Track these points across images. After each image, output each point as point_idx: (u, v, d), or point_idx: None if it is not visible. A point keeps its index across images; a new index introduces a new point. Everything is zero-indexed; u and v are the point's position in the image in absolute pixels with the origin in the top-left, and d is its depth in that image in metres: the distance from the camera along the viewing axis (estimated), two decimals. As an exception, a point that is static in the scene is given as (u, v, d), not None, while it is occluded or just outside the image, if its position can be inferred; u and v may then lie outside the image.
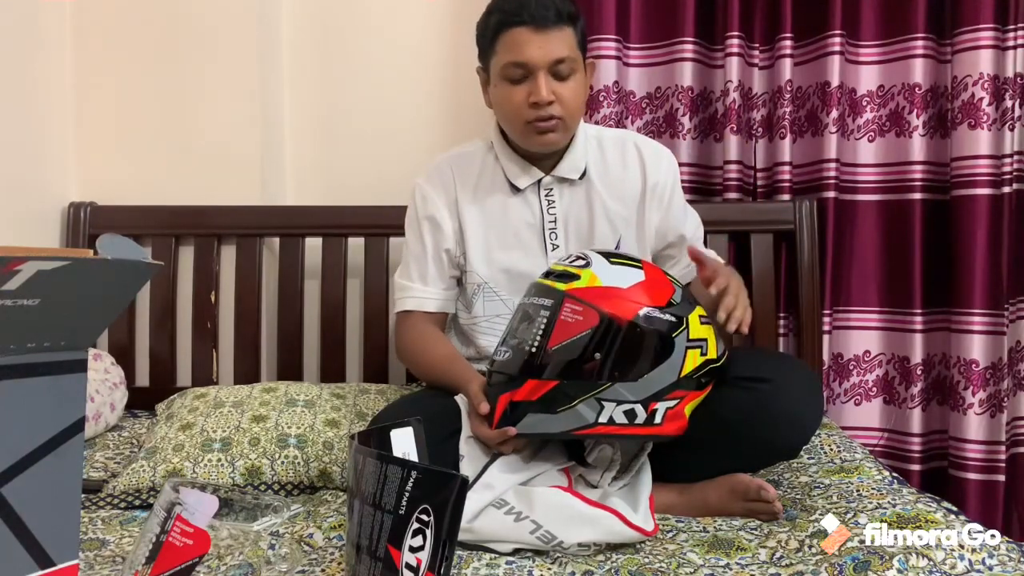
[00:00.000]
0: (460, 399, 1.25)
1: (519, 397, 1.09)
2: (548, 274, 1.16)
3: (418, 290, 1.41)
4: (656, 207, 1.41)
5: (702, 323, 1.13)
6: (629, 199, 1.40)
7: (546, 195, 1.39)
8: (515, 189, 1.39)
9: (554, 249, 1.39)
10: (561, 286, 1.10)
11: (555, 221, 1.39)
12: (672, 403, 1.11)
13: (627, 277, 1.11)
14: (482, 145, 1.44)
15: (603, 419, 1.09)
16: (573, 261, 1.14)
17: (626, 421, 1.09)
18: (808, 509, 1.16)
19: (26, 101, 1.76)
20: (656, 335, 1.08)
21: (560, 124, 1.30)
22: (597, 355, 1.06)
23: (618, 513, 1.06)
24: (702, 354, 1.12)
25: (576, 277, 1.10)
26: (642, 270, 1.13)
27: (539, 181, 1.39)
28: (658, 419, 1.11)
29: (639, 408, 1.09)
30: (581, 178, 1.39)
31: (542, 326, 1.08)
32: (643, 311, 1.08)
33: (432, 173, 1.43)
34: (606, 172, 1.41)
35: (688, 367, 1.11)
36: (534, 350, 1.08)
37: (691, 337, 1.10)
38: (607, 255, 1.15)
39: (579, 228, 1.40)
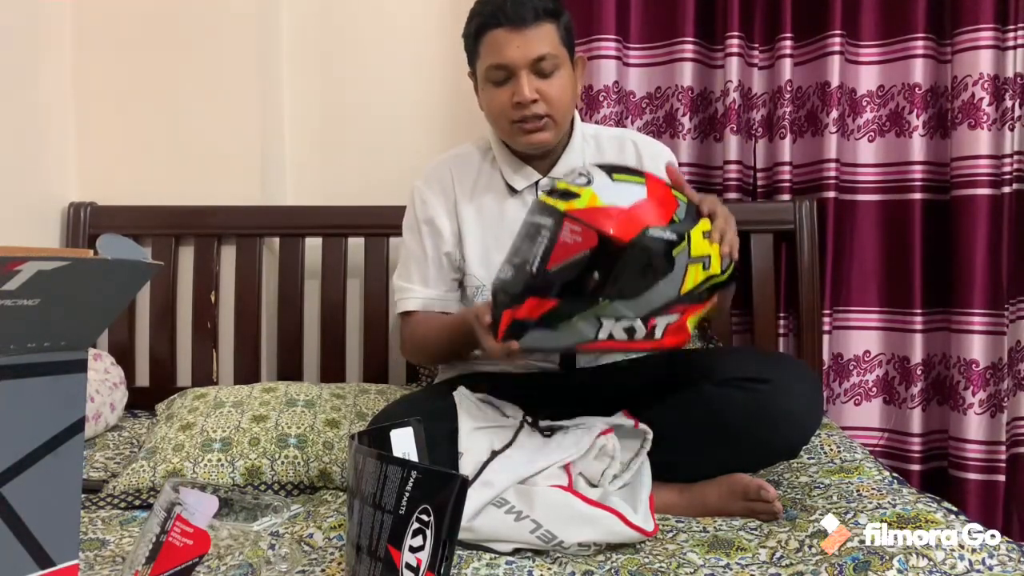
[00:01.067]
0: (458, 395, 1.25)
1: (520, 315, 1.08)
2: (550, 192, 1.13)
3: (419, 291, 1.40)
4: None
5: (705, 238, 1.10)
6: None
7: None
8: (512, 191, 1.39)
9: None
10: (561, 205, 1.08)
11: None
12: (673, 318, 1.09)
13: (628, 195, 1.08)
14: (479, 146, 1.44)
15: (602, 335, 1.07)
16: (576, 179, 1.12)
17: (626, 337, 1.08)
18: (808, 509, 1.16)
19: (26, 101, 1.76)
20: (655, 253, 1.05)
21: (548, 123, 1.30)
22: (596, 275, 1.04)
23: (618, 513, 1.06)
24: (704, 269, 1.09)
25: (576, 196, 1.08)
26: (644, 186, 1.10)
27: (536, 182, 1.39)
28: (658, 334, 1.09)
29: (638, 324, 1.07)
30: None
31: (543, 246, 1.07)
32: (643, 230, 1.05)
33: (430, 176, 1.43)
34: None
35: (689, 284, 1.08)
36: (535, 270, 1.06)
37: (692, 254, 1.07)
38: (610, 170, 1.12)
39: None
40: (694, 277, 1.08)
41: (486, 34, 1.28)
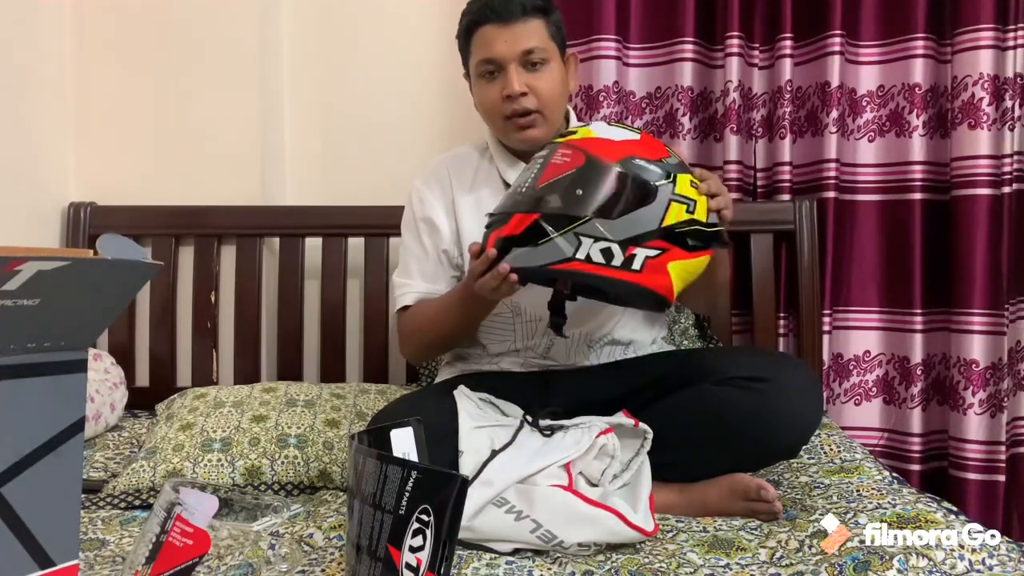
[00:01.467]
0: (458, 394, 1.25)
1: (505, 232, 1.11)
2: (555, 135, 1.20)
3: (418, 286, 1.40)
4: None
5: (693, 187, 1.13)
6: None
7: None
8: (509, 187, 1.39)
9: None
10: (558, 139, 1.15)
11: None
12: (653, 252, 1.10)
13: (622, 135, 1.14)
14: (477, 147, 1.45)
15: (580, 255, 1.08)
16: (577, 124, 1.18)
17: (603, 260, 1.09)
18: (808, 509, 1.16)
19: (26, 101, 1.76)
20: (638, 179, 1.09)
21: (538, 118, 1.31)
22: (579, 191, 1.08)
23: (618, 513, 1.06)
24: (688, 211, 1.11)
25: (574, 133, 1.15)
26: (638, 135, 1.16)
27: None
28: (636, 265, 1.10)
29: (616, 248, 1.08)
30: None
31: (535, 170, 1.12)
32: (629, 157, 1.10)
33: (428, 175, 1.43)
34: None
35: (671, 218, 1.10)
36: (524, 189, 1.11)
37: (677, 192, 1.10)
38: (609, 121, 1.18)
39: None
40: (676, 214, 1.10)
41: (476, 31, 1.31)
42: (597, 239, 1.08)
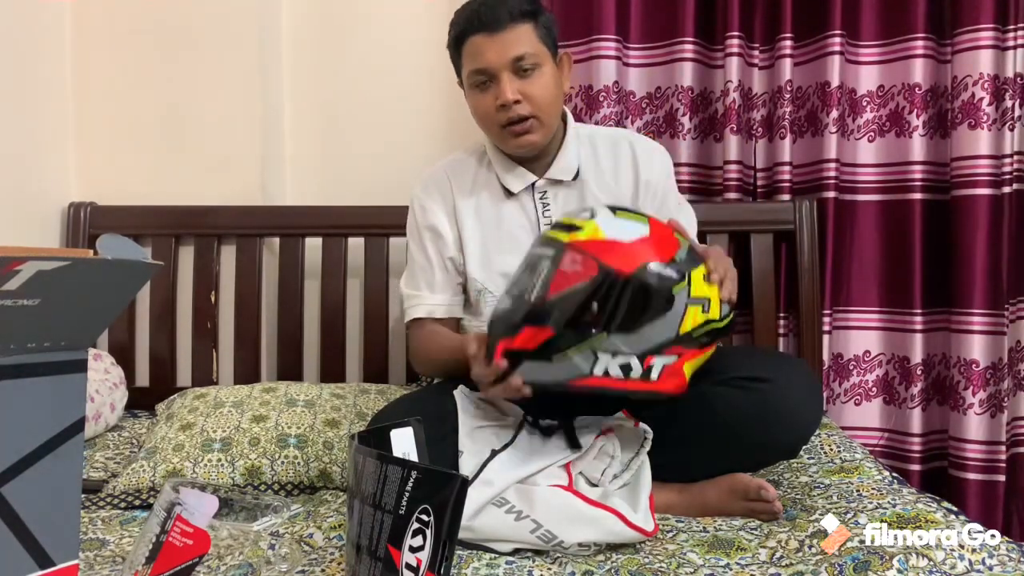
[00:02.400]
0: (458, 393, 1.25)
1: (516, 345, 1.07)
2: (554, 226, 1.15)
3: (427, 297, 1.41)
4: (649, 204, 1.40)
5: (706, 281, 1.10)
6: (623, 197, 1.40)
7: (540, 198, 1.39)
8: (509, 193, 1.39)
9: None
10: (564, 237, 1.08)
11: (551, 224, 1.39)
12: (670, 359, 1.09)
13: (631, 230, 1.09)
14: (476, 151, 1.45)
15: (598, 370, 1.06)
16: (579, 213, 1.13)
17: (621, 374, 1.07)
18: (808, 509, 1.16)
19: (26, 101, 1.76)
20: (655, 289, 1.05)
21: (534, 124, 1.31)
22: (594, 305, 1.04)
23: (618, 513, 1.06)
24: (703, 312, 1.09)
25: (579, 229, 1.09)
26: (647, 225, 1.10)
27: (533, 184, 1.39)
28: (654, 375, 1.09)
29: (635, 361, 1.07)
30: (575, 179, 1.39)
31: (542, 275, 1.07)
32: (643, 264, 1.05)
33: (428, 182, 1.44)
34: (599, 171, 1.41)
35: (688, 324, 1.08)
36: (533, 299, 1.06)
37: (692, 294, 1.08)
38: (613, 208, 1.13)
39: None
40: (693, 318, 1.08)
41: (465, 42, 1.30)
42: (615, 354, 1.06)
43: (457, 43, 1.32)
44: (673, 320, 1.07)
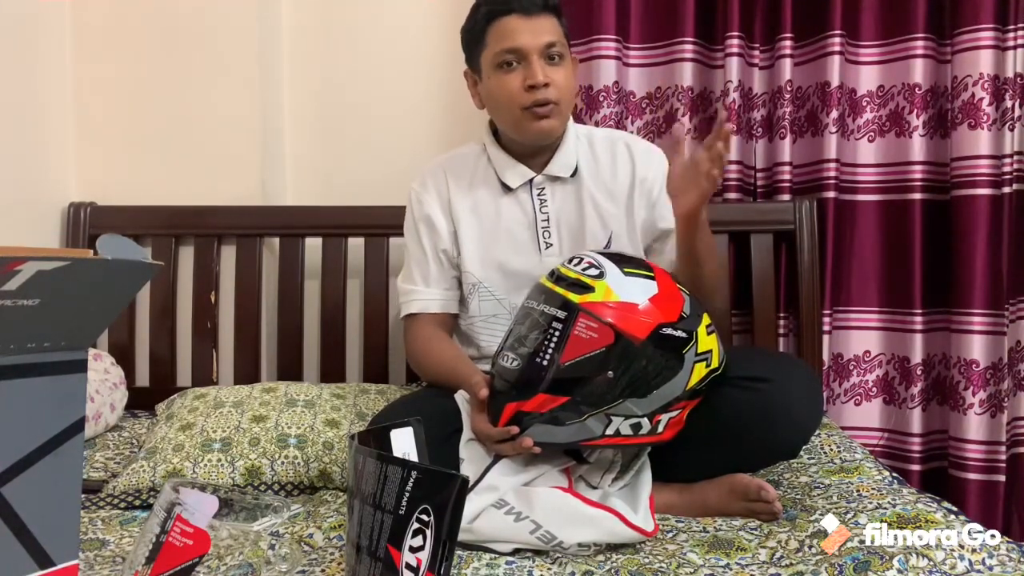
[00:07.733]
0: (460, 398, 1.25)
1: (528, 408, 1.10)
2: (558, 279, 1.14)
3: (422, 292, 1.42)
4: (644, 202, 1.41)
5: (708, 333, 1.14)
6: (618, 196, 1.41)
7: (538, 194, 1.40)
8: (507, 188, 1.40)
9: (547, 248, 1.39)
10: (575, 297, 1.09)
11: (548, 220, 1.40)
12: (675, 413, 1.13)
13: (641, 291, 1.11)
14: (475, 147, 1.46)
15: (610, 432, 1.10)
16: (586, 269, 1.13)
17: (631, 433, 1.11)
18: (808, 509, 1.16)
19: (26, 101, 1.75)
20: (668, 353, 1.09)
21: (555, 110, 1.32)
22: (610, 373, 1.07)
23: (618, 513, 1.06)
24: (707, 366, 1.14)
25: (590, 289, 1.09)
26: (654, 280, 1.13)
27: (531, 180, 1.39)
28: (660, 429, 1.13)
29: (645, 421, 1.11)
30: (573, 176, 1.40)
31: (555, 339, 1.08)
32: (657, 329, 1.09)
33: (425, 176, 1.45)
34: (596, 170, 1.41)
35: (694, 380, 1.12)
36: (546, 363, 1.08)
37: (699, 351, 1.12)
38: (619, 263, 1.14)
39: (571, 226, 1.40)
40: (698, 373, 1.12)
41: (496, 21, 1.31)
42: (628, 417, 1.09)
43: (487, 22, 1.32)
44: (683, 379, 1.11)
